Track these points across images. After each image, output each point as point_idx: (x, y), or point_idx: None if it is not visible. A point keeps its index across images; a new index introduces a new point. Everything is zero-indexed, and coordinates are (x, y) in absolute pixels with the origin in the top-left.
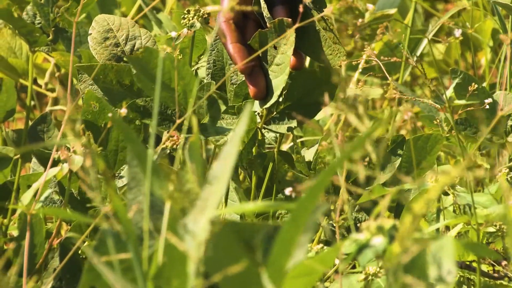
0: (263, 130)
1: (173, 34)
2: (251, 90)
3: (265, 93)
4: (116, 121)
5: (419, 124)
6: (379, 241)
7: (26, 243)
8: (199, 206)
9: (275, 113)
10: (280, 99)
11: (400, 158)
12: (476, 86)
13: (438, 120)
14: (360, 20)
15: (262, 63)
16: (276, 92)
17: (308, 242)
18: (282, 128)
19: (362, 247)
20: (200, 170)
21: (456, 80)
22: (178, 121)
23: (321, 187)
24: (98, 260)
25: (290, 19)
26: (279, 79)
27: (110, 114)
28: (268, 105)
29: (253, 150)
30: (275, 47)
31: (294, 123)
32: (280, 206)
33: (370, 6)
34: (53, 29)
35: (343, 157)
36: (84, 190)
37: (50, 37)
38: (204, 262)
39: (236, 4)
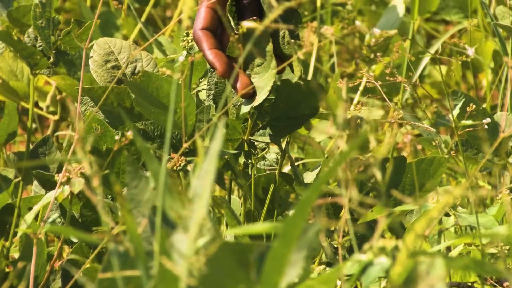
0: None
1: (181, 58)
2: (238, 89)
3: (251, 89)
4: (136, 138)
5: (419, 146)
6: (382, 262)
7: (32, 266)
8: (183, 224)
9: (260, 125)
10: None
11: (402, 179)
12: (474, 107)
13: (436, 142)
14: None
15: (243, 68)
16: (265, 90)
17: (302, 261)
18: (267, 139)
19: (365, 268)
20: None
21: (458, 102)
22: (185, 145)
23: (308, 205)
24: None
25: (256, 18)
26: (265, 78)
27: (121, 134)
28: (257, 103)
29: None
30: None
31: (267, 139)
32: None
33: (377, 31)
34: (54, 52)
35: (328, 174)
36: (90, 210)
37: (51, 60)
38: (200, 283)
39: (208, 18)
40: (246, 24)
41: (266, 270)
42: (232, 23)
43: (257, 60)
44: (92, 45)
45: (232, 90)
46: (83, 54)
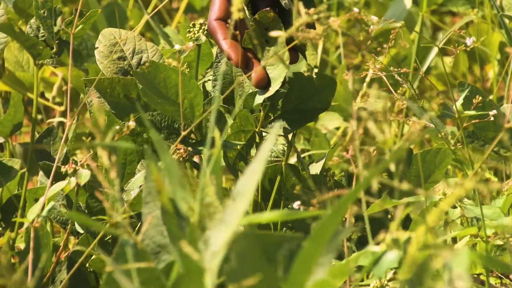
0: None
1: (177, 47)
2: (252, 78)
3: (266, 78)
4: (149, 130)
5: (427, 136)
6: (393, 254)
7: (30, 255)
8: (221, 220)
9: (272, 117)
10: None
11: (408, 171)
12: (480, 98)
13: (443, 133)
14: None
15: (257, 57)
16: (279, 80)
17: (330, 263)
18: (280, 131)
19: (377, 260)
20: (220, 183)
21: (464, 93)
22: (183, 133)
23: (343, 209)
24: (117, 271)
25: (269, 9)
26: (278, 69)
27: (120, 125)
28: (270, 93)
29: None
30: (266, 41)
31: (280, 131)
32: (296, 214)
33: (374, 18)
34: (56, 41)
35: (370, 177)
36: (101, 200)
37: (54, 50)
38: (226, 273)
39: (223, 9)
40: (274, 33)
41: (294, 269)
42: (247, 13)
43: (272, 51)
44: (77, 32)
45: (240, 82)
46: (71, 42)
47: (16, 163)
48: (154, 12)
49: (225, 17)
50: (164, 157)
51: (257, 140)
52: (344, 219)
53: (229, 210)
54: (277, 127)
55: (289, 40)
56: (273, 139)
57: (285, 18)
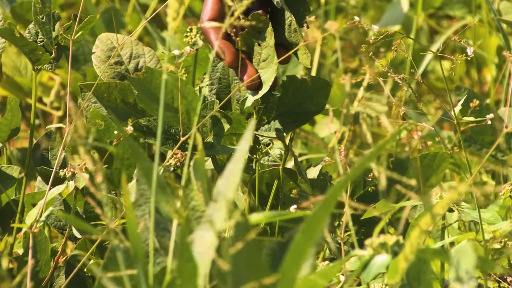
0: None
1: (176, 52)
2: (244, 80)
3: (258, 81)
4: (125, 137)
5: (429, 143)
6: (382, 258)
7: (29, 260)
8: (205, 222)
9: (266, 120)
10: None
11: (405, 175)
12: (478, 102)
13: (440, 138)
14: (371, 38)
15: (249, 58)
16: (268, 83)
17: (314, 256)
18: (272, 134)
19: (366, 264)
20: (205, 187)
21: (461, 97)
22: (182, 139)
23: (332, 201)
24: (107, 277)
25: (261, 11)
26: (268, 73)
27: (115, 132)
28: (260, 95)
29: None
30: (258, 44)
31: (273, 134)
32: (286, 214)
33: (375, 28)
34: (55, 46)
35: (356, 171)
36: (93, 206)
37: (53, 55)
38: (222, 274)
39: (215, 9)
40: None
41: (286, 263)
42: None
43: (263, 55)
44: (76, 38)
45: (237, 81)
46: (70, 47)
47: (15, 171)
48: (151, 16)
49: (217, 18)
50: (141, 164)
51: (251, 143)
52: (340, 223)
53: (211, 211)
54: (251, 125)
55: (282, 38)
56: (249, 138)
57: (276, 17)
